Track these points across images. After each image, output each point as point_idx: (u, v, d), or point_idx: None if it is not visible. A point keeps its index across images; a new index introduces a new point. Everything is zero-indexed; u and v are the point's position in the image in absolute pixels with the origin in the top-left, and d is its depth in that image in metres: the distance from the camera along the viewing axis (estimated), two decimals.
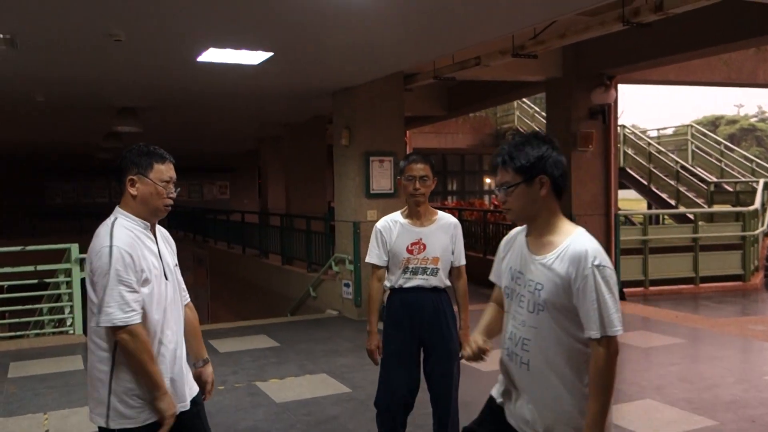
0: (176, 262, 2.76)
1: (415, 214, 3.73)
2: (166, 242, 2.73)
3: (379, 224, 3.81)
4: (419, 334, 3.72)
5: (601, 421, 2.13)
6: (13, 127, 13.92)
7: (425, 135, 19.79)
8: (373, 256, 3.79)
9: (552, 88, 10.25)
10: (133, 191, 2.58)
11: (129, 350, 2.41)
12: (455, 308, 3.87)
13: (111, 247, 2.42)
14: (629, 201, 25.96)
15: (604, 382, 2.13)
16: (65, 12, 5.45)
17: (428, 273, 3.71)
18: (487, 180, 24.30)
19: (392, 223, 3.76)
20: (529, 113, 20.48)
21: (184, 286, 2.80)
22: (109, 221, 2.56)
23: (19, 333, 8.96)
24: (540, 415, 2.25)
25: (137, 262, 2.45)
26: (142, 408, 2.48)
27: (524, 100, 19.42)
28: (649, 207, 16.66)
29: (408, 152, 11.63)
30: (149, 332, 2.49)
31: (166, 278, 2.60)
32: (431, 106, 13.38)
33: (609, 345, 2.12)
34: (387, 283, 3.82)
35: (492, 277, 2.61)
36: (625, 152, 16.38)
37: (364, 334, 3.85)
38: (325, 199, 14.78)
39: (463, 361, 3.52)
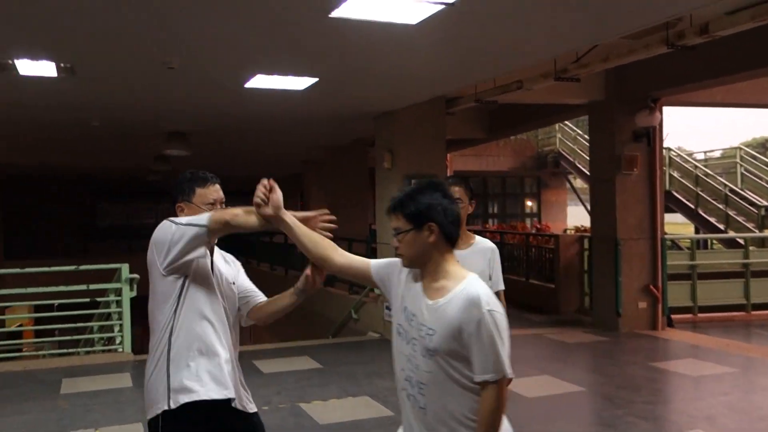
0: (233, 281, 2.85)
1: None
2: (225, 260, 2.85)
3: None
4: None
5: None
6: (69, 151, 14.43)
7: (466, 158, 19.81)
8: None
9: (595, 111, 10.19)
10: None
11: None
12: None
13: (172, 220, 2.62)
14: (675, 225, 25.44)
15: (492, 424, 2.18)
16: (123, 42, 5.69)
17: None
18: (529, 203, 24.14)
19: None
20: (570, 135, 20.35)
21: (250, 294, 2.94)
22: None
23: (70, 350, 9.20)
24: None
25: None
26: (202, 382, 2.59)
27: (566, 122, 19.31)
28: (697, 231, 16.31)
29: (449, 175, 11.66)
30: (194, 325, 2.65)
31: (219, 291, 2.72)
32: (472, 129, 13.41)
33: (500, 388, 2.17)
34: None
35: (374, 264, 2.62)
36: (670, 175, 16.12)
37: None
38: (367, 222, 14.88)
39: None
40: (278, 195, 2.46)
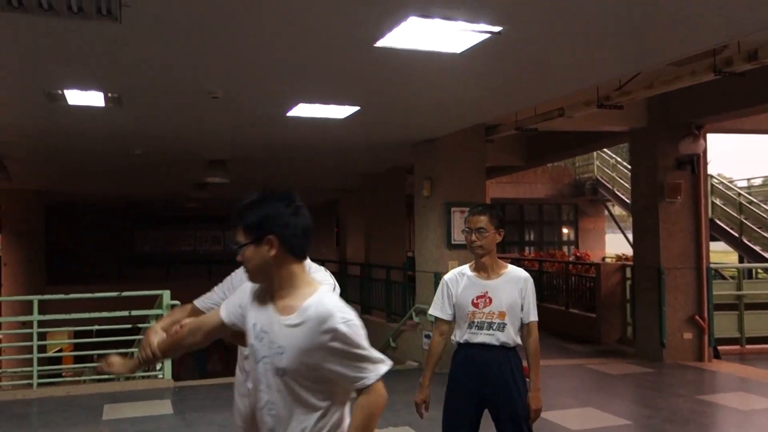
0: None
1: (481, 267, 3.66)
2: None
3: (447, 276, 3.77)
4: (483, 393, 3.59)
5: None
6: (110, 179, 14.73)
7: (503, 185, 19.72)
8: (437, 308, 3.76)
9: (637, 139, 10.06)
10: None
11: None
12: (525, 366, 3.71)
13: None
14: (717, 253, 24.89)
15: (367, 425, 2.13)
16: (170, 73, 5.81)
17: (494, 328, 3.59)
18: (565, 230, 23.86)
19: (459, 276, 3.71)
20: (609, 163, 20.14)
21: None
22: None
23: (111, 376, 9.28)
24: None
25: None
26: None
27: (605, 149, 19.12)
28: (741, 260, 15.92)
29: (486, 202, 11.59)
30: None
31: None
32: (510, 157, 13.35)
33: (375, 390, 2.11)
34: (454, 338, 3.73)
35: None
36: (713, 203, 15.80)
37: (442, 388, 3.78)
38: (404, 249, 14.84)
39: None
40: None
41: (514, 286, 3.62)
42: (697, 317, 9.44)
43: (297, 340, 2.09)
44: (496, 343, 3.58)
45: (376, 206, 14.42)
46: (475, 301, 3.61)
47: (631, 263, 11.26)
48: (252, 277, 2.22)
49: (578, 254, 19.09)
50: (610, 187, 19.99)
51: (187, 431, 6.22)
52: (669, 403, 7.14)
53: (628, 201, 17.56)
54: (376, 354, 2.13)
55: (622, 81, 7.21)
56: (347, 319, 2.08)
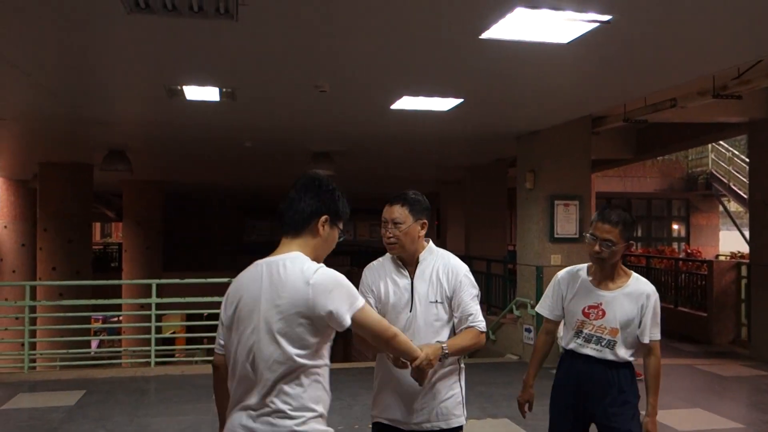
0: None
1: (600, 274, 3.30)
2: None
3: (561, 275, 3.46)
4: (584, 407, 3.30)
5: None
6: (222, 170, 15.43)
7: (609, 179, 19.13)
8: (545, 307, 3.49)
9: (756, 130, 9.52)
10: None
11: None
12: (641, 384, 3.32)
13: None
14: None
15: None
16: (281, 68, 6.04)
17: (603, 344, 3.24)
18: (676, 226, 22.85)
19: (574, 277, 3.39)
20: (725, 156, 19.13)
21: None
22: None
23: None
24: None
25: None
26: None
27: (720, 141, 18.16)
28: None
29: (593, 197, 11.29)
30: None
31: None
32: (618, 149, 12.94)
33: None
34: (561, 342, 3.47)
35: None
36: None
37: (546, 381, 3.63)
38: (505, 242, 14.70)
39: None
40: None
41: (633, 302, 3.24)
42: None
43: None
44: (602, 359, 3.26)
45: (477, 199, 14.36)
46: (586, 310, 3.29)
47: (747, 261, 10.68)
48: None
49: (689, 251, 18.26)
50: (726, 181, 18.98)
51: None
52: None
53: (745, 196, 16.63)
54: None
55: (740, 69, 6.84)
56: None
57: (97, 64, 6.10)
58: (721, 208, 22.35)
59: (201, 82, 6.61)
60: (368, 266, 3.15)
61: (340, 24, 4.76)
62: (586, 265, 3.41)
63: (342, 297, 2.22)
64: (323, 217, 2.36)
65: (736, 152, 18.82)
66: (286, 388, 2.16)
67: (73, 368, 8.86)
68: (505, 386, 7.64)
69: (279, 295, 2.19)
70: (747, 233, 12.49)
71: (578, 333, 3.31)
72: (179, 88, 6.82)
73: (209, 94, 7.01)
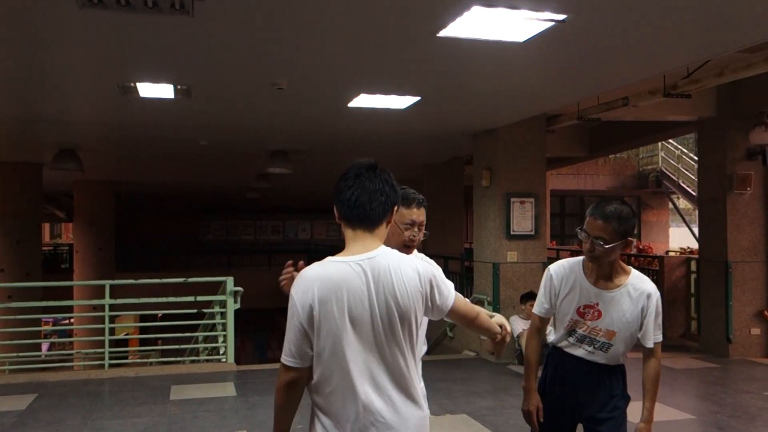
0: None
1: (598, 271, 3.04)
2: None
3: (553, 267, 3.18)
4: (572, 408, 3.14)
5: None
6: (177, 170, 15.19)
7: (563, 176, 19.45)
8: (542, 307, 3.19)
9: (705, 128, 9.79)
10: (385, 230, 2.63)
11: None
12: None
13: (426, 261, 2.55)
14: None
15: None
16: (237, 65, 5.97)
17: (596, 346, 3.06)
18: None
19: (569, 272, 3.11)
20: (674, 154, 19.62)
21: None
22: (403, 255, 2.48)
23: (176, 359, 9.61)
24: None
25: None
26: None
27: (670, 140, 18.62)
28: None
29: (548, 194, 11.45)
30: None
31: None
32: (571, 147, 13.15)
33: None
34: (550, 337, 3.24)
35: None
36: None
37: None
38: (462, 240, 14.80)
39: None
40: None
41: (633, 303, 3.01)
42: (765, 312, 9.16)
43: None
44: (594, 362, 3.09)
45: (434, 197, 14.39)
46: (581, 309, 3.05)
47: (696, 256, 10.98)
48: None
49: (640, 247, 18.69)
50: (675, 179, 19.47)
51: (249, 413, 6.41)
52: (735, 399, 6.96)
53: (693, 193, 17.09)
54: (287, 344, 2.26)
55: (690, 69, 7.03)
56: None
57: (48, 61, 5.93)
58: (670, 205, 22.92)
59: (155, 79, 6.49)
60: None
61: (297, 21, 4.73)
62: (582, 258, 3.12)
63: (446, 284, 2.35)
64: (395, 207, 2.36)
65: (685, 150, 19.33)
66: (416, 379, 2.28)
67: (23, 372, 8.61)
68: (463, 383, 7.71)
69: (399, 293, 2.18)
70: (696, 229, 12.84)
71: (571, 332, 3.10)
72: (132, 85, 6.69)
73: (163, 91, 6.89)
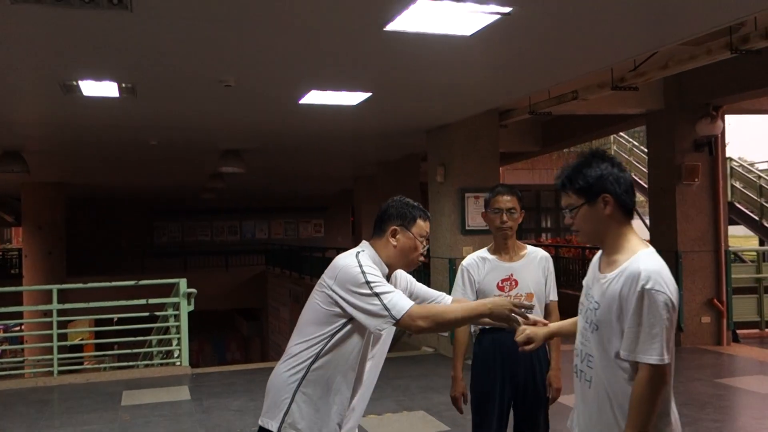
0: None
1: (503, 249, 3.55)
2: (395, 285, 2.73)
3: (465, 262, 3.63)
4: (511, 375, 3.51)
5: None
6: (127, 170, 14.85)
7: (518, 171, 19.61)
8: (458, 294, 3.57)
9: (653, 121, 9.96)
10: (393, 241, 2.63)
11: (431, 325, 2.48)
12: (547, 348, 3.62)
13: (359, 262, 2.50)
14: (738, 238, 24.64)
15: (636, 408, 2.07)
16: (182, 62, 5.83)
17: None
18: None
19: (479, 260, 3.58)
20: (626, 147, 19.95)
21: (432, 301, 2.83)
22: (352, 251, 2.63)
23: (129, 363, 9.41)
24: None
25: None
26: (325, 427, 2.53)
27: (621, 134, 18.94)
28: (761, 243, 15.76)
29: (498, 183, 11.54)
30: (348, 360, 2.55)
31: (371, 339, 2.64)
32: (525, 142, 13.28)
33: (647, 372, 2.06)
34: (475, 325, 3.56)
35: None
36: (732, 186, 15.62)
37: (462, 372, 3.69)
38: None
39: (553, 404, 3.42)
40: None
41: (537, 266, 3.56)
42: (715, 301, 9.36)
43: (608, 297, 2.16)
44: None
45: (391, 194, 14.11)
46: (500, 284, 3.50)
47: None
48: (586, 238, 2.33)
49: None
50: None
51: (204, 417, 6.29)
52: (686, 387, 7.10)
53: (645, 186, 17.43)
54: (660, 342, 2.06)
55: (636, 62, 7.12)
56: (654, 289, 2.06)
57: None
58: None
59: (98, 76, 6.31)
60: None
61: (241, 15, 4.63)
62: (485, 249, 3.66)
63: None
64: None
65: (636, 143, 19.68)
66: None
67: None
68: (421, 378, 7.71)
69: None
70: (648, 221, 13.08)
71: None
72: (75, 83, 6.50)
73: (107, 89, 6.71)
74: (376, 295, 2.41)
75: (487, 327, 3.49)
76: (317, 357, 2.50)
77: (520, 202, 3.54)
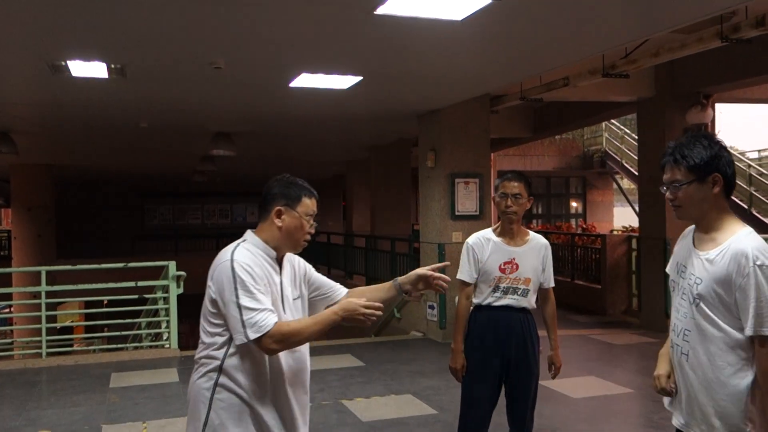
0: (299, 294, 2.64)
1: (507, 233, 3.69)
2: (292, 272, 2.62)
3: (471, 240, 3.76)
4: (504, 352, 3.67)
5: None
6: (118, 153, 14.76)
7: (510, 157, 19.64)
8: (464, 272, 3.73)
9: (644, 109, 9.98)
10: (278, 222, 2.51)
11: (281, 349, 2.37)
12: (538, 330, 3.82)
13: (232, 261, 2.37)
14: None
15: (765, 380, 2.17)
16: (172, 43, 5.79)
17: (519, 293, 3.67)
18: (574, 203, 23.78)
19: (484, 240, 3.71)
20: (618, 135, 20.00)
21: (328, 292, 2.73)
22: (232, 245, 2.48)
23: (119, 345, 9.41)
24: (700, 408, 2.31)
25: (260, 275, 2.39)
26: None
27: (613, 121, 18.97)
28: None
29: (493, 175, 11.57)
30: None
31: (283, 311, 2.50)
32: (517, 128, 13.29)
33: (766, 344, 2.15)
34: (474, 300, 3.76)
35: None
36: None
37: (449, 357, 3.80)
38: (410, 221, 14.84)
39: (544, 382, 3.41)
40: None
41: (537, 253, 3.71)
42: None
43: (713, 273, 2.24)
44: (518, 307, 3.68)
45: (382, 179, 14.41)
46: (502, 266, 3.65)
47: (637, 235, 11.24)
48: (686, 215, 2.35)
49: (584, 226, 19.06)
50: (619, 159, 19.87)
51: None
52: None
53: (636, 173, 17.49)
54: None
55: (628, 49, 7.13)
56: (765, 264, 2.16)
57: None
58: (615, 185, 23.43)
59: (86, 57, 6.25)
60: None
61: None
62: (490, 228, 3.80)
63: None
64: None
65: (628, 131, 19.72)
66: None
67: None
68: (409, 363, 7.75)
69: None
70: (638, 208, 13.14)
71: (496, 288, 3.67)
72: (63, 63, 6.44)
73: (96, 70, 6.65)
74: (239, 306, 2.31)
75: (483, 304, 3.70)
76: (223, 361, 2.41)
77: (527, 189, 3.65)
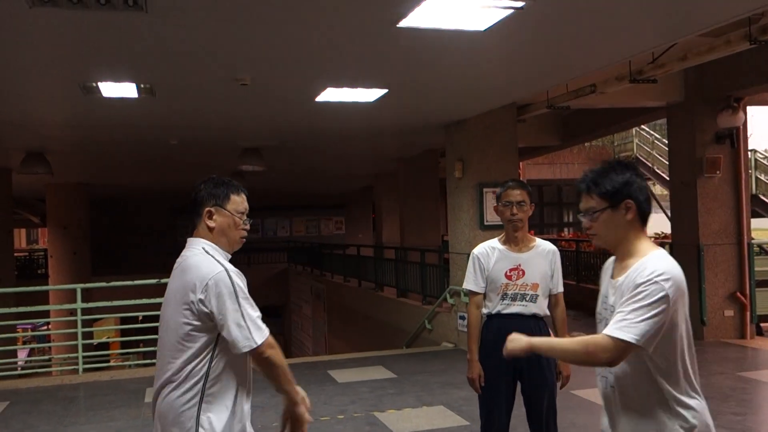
0: None
1: (512, 240, 3.74)
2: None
3: (476, 250, 3.82)
4: (516, 362, 3.58)
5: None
6: (149, 170, 15.03)
7: (539, 166, 19.53)
8: (470, 282, 3.79)
9: (674, 113, 9.85)
10: (211, 223, 2.53)
11: (275, 362, 2.43)
12: (552, 336, 3.76)
13: (227, 271, 2.38)
14: (763, 230, 24.27)
15: (560, 345, 2.31)
16: (198, 61, 5.89)
17: (527, 299, 3.70)
18: None
19: (489, 249, 3.77)
20: (648, 140, 19.75)
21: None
22: (197, 251, 2.48)
23: (154, 361, 9.52)
24: None
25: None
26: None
27: (643, 126, 18.74)
28: None
29: (509, 179, 11.50)
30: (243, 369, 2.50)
31: None
32: (545, 136, 13.20)
33: (611, 342, 2.09)
34: (484, 310, 3.80)
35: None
36: (757, 178, 15.40)
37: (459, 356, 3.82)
38: (439, 232, 14.80)
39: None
40: None
41: (544, 259, 3.73)
42: (738, 294, 9.25)
43: (619, 297, 2.19)
44: (528, 314, 3.68)
45: (410, 190, 14.42)
46: (508, 273, 3.69)
47: (669, 241, 11.06)
48: (603, 242, 2.31)
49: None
50: (650, 165, 19.61)
51: None
52: (708, 380, 7.02)
53: (668, 178, 17.25)
54: (640, 323, 2.07)
55: (655, 54, 7.06)
56: (655, 281, 2.07)
57: (4, 62, 5.81)
58: None
59: (117, 78, 6.40)
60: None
61: (255, 14, 4.67)
62: (496, 238, 3.85)
63: None
64: None
65: (659, 136, 19.47)
66: None
67: None
68: (441, 374, 7.71)
69: None
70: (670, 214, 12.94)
71: (504, 296, 3.72)
72: (95, 85, 6.60)
73: (126, 90, 6.80)
74: (243, 315, 2.37)
75: (493, 312, 3.75)
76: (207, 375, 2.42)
77: (530, 196, 3.73)
